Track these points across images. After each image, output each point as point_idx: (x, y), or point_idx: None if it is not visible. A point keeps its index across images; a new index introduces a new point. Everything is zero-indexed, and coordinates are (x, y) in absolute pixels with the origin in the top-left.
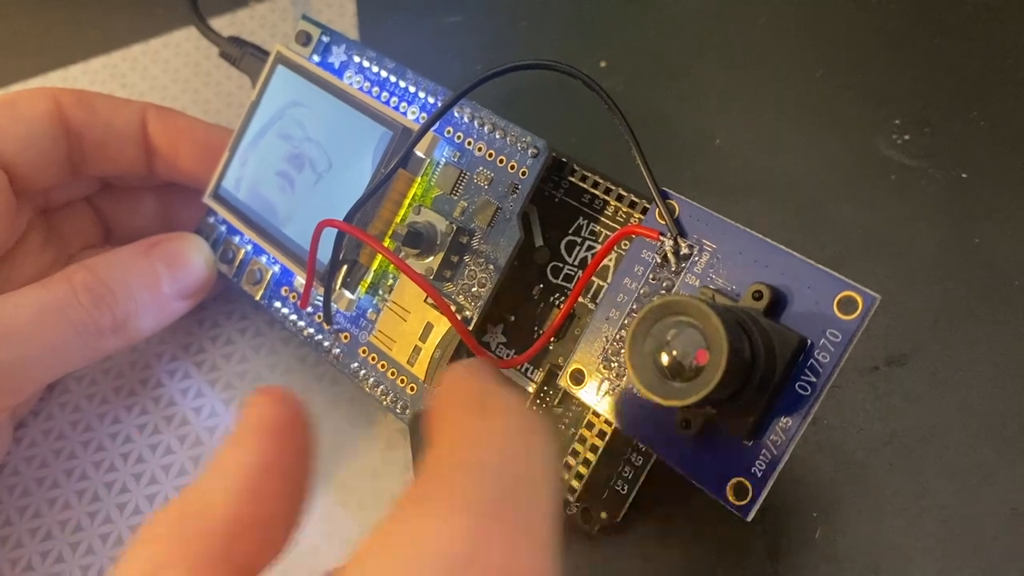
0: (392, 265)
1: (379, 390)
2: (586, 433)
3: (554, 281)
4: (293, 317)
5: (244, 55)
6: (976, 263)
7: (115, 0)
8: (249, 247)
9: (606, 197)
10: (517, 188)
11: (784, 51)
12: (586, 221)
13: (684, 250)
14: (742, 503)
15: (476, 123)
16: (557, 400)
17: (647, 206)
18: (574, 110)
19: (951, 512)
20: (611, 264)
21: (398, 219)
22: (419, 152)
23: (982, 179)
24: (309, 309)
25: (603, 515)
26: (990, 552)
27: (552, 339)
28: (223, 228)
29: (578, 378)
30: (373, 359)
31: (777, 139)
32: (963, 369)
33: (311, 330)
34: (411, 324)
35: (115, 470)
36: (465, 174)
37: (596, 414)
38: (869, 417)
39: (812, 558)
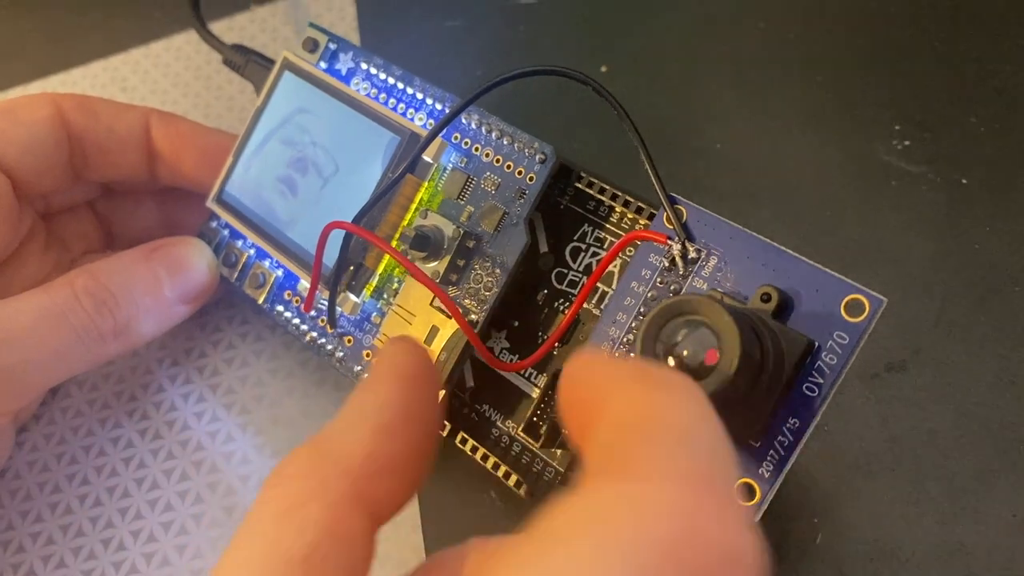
0: (397, 269)
1: None
2: None
3: (559, 287)
4: (296, 321)
5: (248, 62)
6: (976, 269)
7: (116, 3)
8: (252, 251)
9: (612, 203)
10: (524, 193)
11: (784, 56)
12: (591, 228)
13: (692, 254)
14: (749, 504)
15: (484, 129)
16: None
17: (653, 212)
18: (572, 116)
19: (952, 517)
20: (616, 271)
21: (405, 223)
22: (427, 157)
23: (982, 185)
24: (312, 313)
25: None
26: (991, 558)
27: (557, 344)
28: (226, 232)
29: None
30: None
31: (776, 144)
32: (963, 375)
33: (314, 334)
34: (416, 327)
35: (117, 475)
36: (472, 179)
37: None
38: (869, 423)
39: (813, 563)
